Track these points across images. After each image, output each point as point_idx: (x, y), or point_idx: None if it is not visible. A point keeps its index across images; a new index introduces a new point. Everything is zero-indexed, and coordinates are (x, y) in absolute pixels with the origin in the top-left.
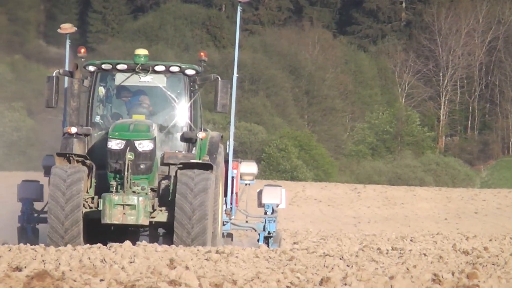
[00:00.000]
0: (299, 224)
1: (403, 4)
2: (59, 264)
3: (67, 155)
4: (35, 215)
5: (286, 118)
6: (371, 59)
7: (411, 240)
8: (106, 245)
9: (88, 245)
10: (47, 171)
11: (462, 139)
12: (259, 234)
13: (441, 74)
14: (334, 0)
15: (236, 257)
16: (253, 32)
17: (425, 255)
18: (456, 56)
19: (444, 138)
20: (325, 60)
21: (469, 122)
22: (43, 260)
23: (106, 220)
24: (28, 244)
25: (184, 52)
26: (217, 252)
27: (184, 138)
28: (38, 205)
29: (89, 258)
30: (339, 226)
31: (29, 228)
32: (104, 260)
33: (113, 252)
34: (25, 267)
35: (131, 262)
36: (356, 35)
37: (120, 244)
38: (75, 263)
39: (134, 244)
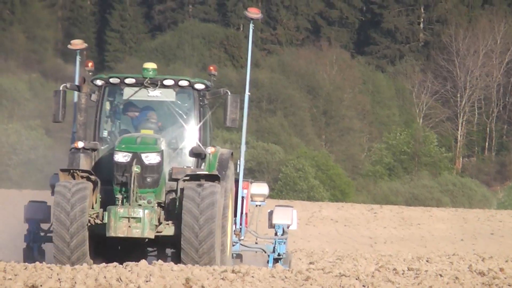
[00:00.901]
0: (315, 244)
1: (421, 25)
2: (75, 282)
3: (72, 171)
4: (42, 234)
5: (304, 138)
6: (388, 80)
7: (427, 261)
8: (121, 264)
9: (103, 264)
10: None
11: (479, 160)
12: (268, 256)
13: (458, 95)
14: (352, 20)
15: (252, 276)
16: (271, 51)
17: (441, 275)
18: (474, 77)
19: (461, 159)
20: (343, 80)
21: (487, 143)
22: (59, 279)
23: (111, 233)
24: (44, 263)
25: (202, 71)
26: (233, 271)
27: (193, 153)
28: (45, 226)
29: (105, 277)
30: (355, 246)
31: (35, 248)
32: (120, 279)
33: (129, 271)
34: (41, 285)
35: (147, 281)
36: (374, 56)
37: (136, 263)
38: (91, 281)
39: (149, 263)
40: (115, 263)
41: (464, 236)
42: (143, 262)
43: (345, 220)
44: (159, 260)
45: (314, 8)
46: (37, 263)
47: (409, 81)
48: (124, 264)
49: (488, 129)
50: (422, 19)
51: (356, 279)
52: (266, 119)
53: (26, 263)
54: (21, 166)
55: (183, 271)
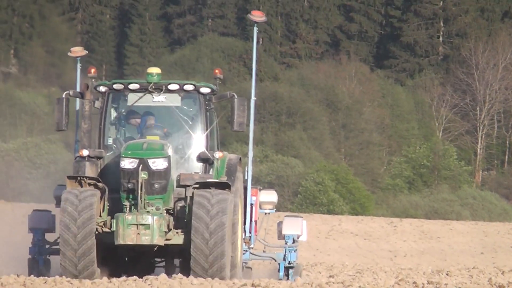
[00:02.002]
0: (335, 258)
1: (441, 38)
2: None
3: (79, 178)
4: (47, 246)
5: (323, 152)
6: (408, 93)
7: (447, 274)
8: (138, 277)
9: (123, 277)
10: (60, 202)
11: (499, 173)
12: (279, 264)
13: (478, 108)
14: (372, 34)
15: None
16: (290, 65)
17: None
18: (493, 90)
19: (481, 172)
20: (362, 94)
21: (506, 157)
22: None
23: (120, 241)
24: (57, 276)
25: (221, 85)
26: (252, 285)
27: (200, 159)
28: (49, 236)
29: None
30: (375, 259)
31: (41, 260)
32: None
33: (149, 285)
34: None
35: None
36: (393, 69)
37: (156, 276)
38: None
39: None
40: (134, 277)
41: (484, 250)
42: (163, 275)
43: (365, 234)
44: (179, 274)
45: (333, 22)
46: (57, 276)
47: (428, 94)
48: (144, 277)
49: (507, 142)
50: (441, 33)
51: None
52: (285, 132)
53: (46, 277)
54: (40, 180)
55: (202, 285)
